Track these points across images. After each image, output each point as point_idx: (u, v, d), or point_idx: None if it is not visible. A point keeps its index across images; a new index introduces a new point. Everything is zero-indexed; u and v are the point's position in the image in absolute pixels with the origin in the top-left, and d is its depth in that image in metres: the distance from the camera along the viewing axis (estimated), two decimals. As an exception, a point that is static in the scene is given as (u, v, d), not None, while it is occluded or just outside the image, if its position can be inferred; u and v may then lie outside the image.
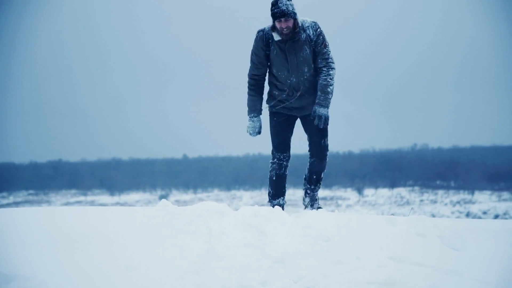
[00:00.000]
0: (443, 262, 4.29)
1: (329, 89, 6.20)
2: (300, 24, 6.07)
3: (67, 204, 69.95)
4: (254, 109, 6.42)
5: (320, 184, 6.57)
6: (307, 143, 6.49)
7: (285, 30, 5.98)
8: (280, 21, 5.93)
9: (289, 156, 6.51)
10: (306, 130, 6.48)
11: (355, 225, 5.16)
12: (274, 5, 5.94)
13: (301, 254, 4.40)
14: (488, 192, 74.96)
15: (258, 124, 6.46)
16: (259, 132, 6.52)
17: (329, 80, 6.19)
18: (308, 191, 6.57)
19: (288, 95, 6.30)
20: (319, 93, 6.20)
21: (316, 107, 6.20)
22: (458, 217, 52.53)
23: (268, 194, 6.61)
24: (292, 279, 4.03)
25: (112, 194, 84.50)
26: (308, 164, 6.54)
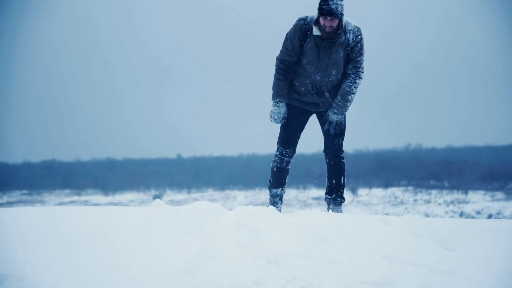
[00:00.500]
0: (436, 262, 4.30)
1: (350, 97, 6.05)
2: (343, 26, 5.86)
3: (60, 204, 69.79)
4: (280, 94, 6.18)
5: (342, 193, 6.35)
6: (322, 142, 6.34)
7: (328, 28, 5.78)
8: (325, 18, 5.72)
9: (293, 152, 6.35)
10: (321, 128, 6.32)
11: (349, 225, 5.16)
12: (325, 0, 5.72)
13: (295, 254, 4.40)
14: (482, 192, 75.08)
15: (283, 110, 6.23)
16: (284, 119, 6.28)
17: (353, 88, 6.04)
18: (330, 205, 6.33)
19: (307, 90, 6.13)
20: (338, 97, 6.06)
21: (330, 113, 6.10)
22: (451, 217, 52.60)
23: (269, 182, 6.50)
24: (286, 279, 4.03)
25: (106, 194, 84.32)
26: (326, 169, 6.38)
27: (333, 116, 6.08)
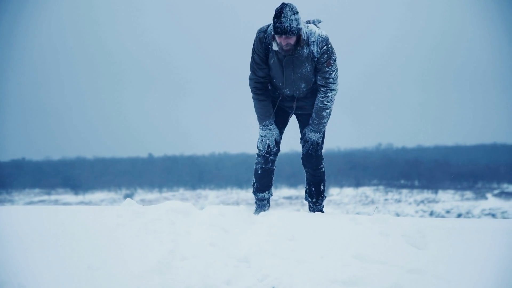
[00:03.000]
0: (406, 261, 4.33)
1: (325, 113, 5.66)
2: (304, 38, 5.38)
3: (30, 203, 69.18)
4: (267, 115, 5.74)
5: (322, 197, 6.13)
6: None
7: (285, 47, 5.32)
8: (281, 36, 5.23)
9: (277, 151, 5.93)
10: (300, 132, 5.99)
11: (319, 224, 5.18)
12: (277, 17, 5.18)
13: (266, 253, 4.40)
14: (451, 192, 75.79)
15: (276, 132, 5.83)
16: (278, 148, 5.89)
17: (326, 103, 5.61)
18: (311, 205, 6.18)
19: (281, 96, 5.78)
20: (313, 115, 5.69)
21: (307, 131, 5.79)
22: (421, 216, 53.05)
23: (252, 186, 6.11)
24: (256, 278, 4.03)
25: (76, 193, 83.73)
26: (305, 176, 6.11)
27: (310, 134, 5.78)
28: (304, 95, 5.75)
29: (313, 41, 5.46)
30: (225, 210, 5.54)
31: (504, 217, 49.69)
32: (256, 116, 5.86)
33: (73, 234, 4.47)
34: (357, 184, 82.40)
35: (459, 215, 56.76)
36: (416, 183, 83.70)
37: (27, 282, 3.49)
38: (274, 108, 5.84)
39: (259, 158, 5.97)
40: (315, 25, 5.69)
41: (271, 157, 5.94)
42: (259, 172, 6.00)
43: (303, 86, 5.66)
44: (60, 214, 5.37)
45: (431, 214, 60.38)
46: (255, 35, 5.61)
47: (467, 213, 59.47)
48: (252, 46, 5.62)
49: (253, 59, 5.64)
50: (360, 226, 5.16)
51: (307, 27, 5.49)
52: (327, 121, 5.75)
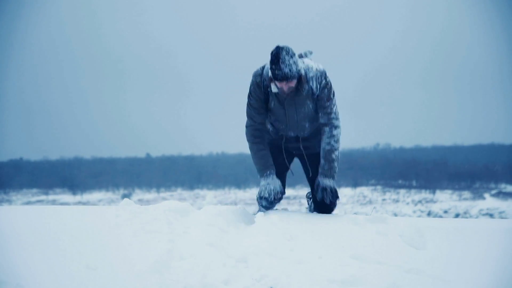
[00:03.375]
0: (404, 261, 4.33)
1: (334, 156, 5.35)
2: (304, 75, 5.17)
3: (28, 203, 69.13)
4: (268, 165, 5.45)
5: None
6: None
7: (287, 90, 5.14)
8: (281, 82, 5.04)
9: (283, 194, 5.56)
10: (305, 172, 5.74)
11: (318, 224, 5.18)
12: (275, 64, 4.94)
13: (264, 253, 4.40)
14: (449, 191, 75.93)
15: (278, 182, 5.46)
16: (283, 192, 5.53)
17: (334, 144, 5.32)
18: (311, 205, 5.93)
19: (285, 139, 5.58)
20: (322, 161, 5.37)
21: (320, 179, 5.42)
22: (419, 216, 53.14)
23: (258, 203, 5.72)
24: (254, 278, 4.03)
25: (74, 193, 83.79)
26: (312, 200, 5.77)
27: (324, 181, 5.40)
28: (308, 134, 5.56)
29: (311, 77, 5.24)
30: (223, 210, 5.53)
31: (502, 217, 49.74)
32: (255, 167, 5.55)
33: (71, 234, 4.47)
34: (355, 184, 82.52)
35: (457, 215, 56.82)
36: (414, 183, 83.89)
37: (25, 282, 3.49)
38: (282, 152, 5.63)
39: (264, 203, 5.55)
40: (308, 58, 5.47)
41: (276, 201, 5.58)
42: (263, 210, 5.62)
43: (307, 126, 5.48)
44: (58, 214, 5.36)
45: (429, 214, 60.46)
46: (251, 79, 5.38)
47: (465, 213, 59.54)
48: (248, 91, 5.40)
49: (249, 104, 5.42)
50: (358, 226, 5.17)
51: (303, 62, 5.28)
52: (337, 164, 5.43)
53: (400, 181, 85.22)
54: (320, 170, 5.41)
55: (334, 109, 5.35)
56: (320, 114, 5.36)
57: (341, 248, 4.59)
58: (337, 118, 5.36)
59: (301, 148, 5.62)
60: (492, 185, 78.66)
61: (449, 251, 4.71)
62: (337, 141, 5.35)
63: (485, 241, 5.04)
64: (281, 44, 5.03)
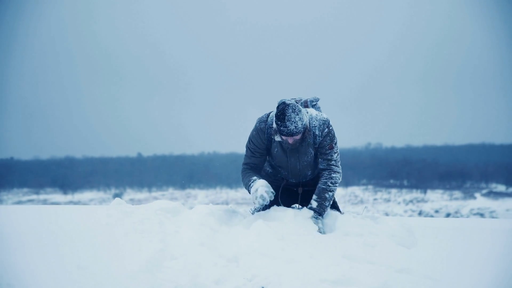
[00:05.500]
0: (395, 260, 4.34)
1: (327, 195, 5.35)
2: (308, 126, 5.26)
3: (19, 203, 68.85)
4: (253, 178, 5.43)
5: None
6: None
7: (291, 143, 5.25)
8: (286, 137, 5.16)
9: (272, 193, 5.40)
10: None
11: (309, 224, 5.19)
12: (281, 121, 5.04)
13: (255, 252, 4.41)
14: (440, 191, 76.01)
15: (264, 182, 5.34)
16: (273, 193, 5.34)
17: (330, 185, 5.37)
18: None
19: (286, 182, 5.65)
20: (314, 196, 5.38)
21: (312, 218, 5.29)
22: (410, 215, 53.20)
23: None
24: (246, 277, 4.03)
25: (65, 192, 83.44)
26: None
27: (315, 221, 5.25)
28: (309, 180, 5.66)
29: (315, 125, 5.34)
30: (214, 210, 5.54)
31: (492, 217, 49.88)
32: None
33: (62, 233, 4.46)
34: (346, 183, 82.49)
35: (448, 215, 56.93)
36: (405, 182, 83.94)
37: (16, 282, 3.48)
38: (278, 191, 5.64)
39: (260, 204, 5.37)
40: (313, 105, 5.63)
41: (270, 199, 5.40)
42: (256, 211, 5.67)
43: (309, 173, 5.59)
44: (49, 214, 5.36)
45: (420, 213, 60.51)
46: (254, 125, 5.48)
47: (456, 212, 59.61)
48: (250, 134, 5.50)
49: (248, 148, 5.53)
50: (349, 226, 5.17)
51: (307, 112, 5.36)
52: (329, 204, 5.40)
53: (391, 181, 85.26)
54: (309, 205, 5.39)
55: (335, 156, 5.43)
56: (320, 160, 5.44)
57: (333, 247, 4.59)
58: (337, 165, 5.44)
59: (300, 192, 5.71)
60: (483, 185, 78.79)
61: (440, 251, 4.73)
62: (334, 183, 5.39)
63: (476, 241, 5.07)
64: (287, 101, 5.09)
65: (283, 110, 5.05)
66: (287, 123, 5.03)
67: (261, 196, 5.26)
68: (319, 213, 5.32)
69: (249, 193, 5.43)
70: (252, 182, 5.40)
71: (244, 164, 5.55)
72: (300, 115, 5.07)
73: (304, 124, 5.14)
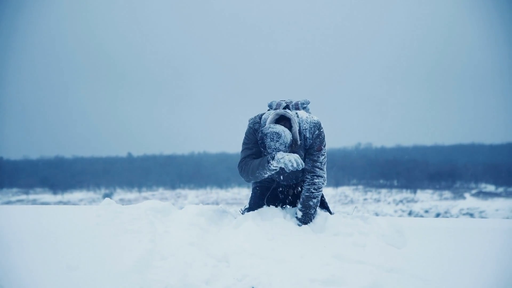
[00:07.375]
0: (385, 260, 4.35)
1: (311, 203, 5.33)
2: (297, 132, 5.21)
3: (8, 203, 68.63)
4: (263, 155, 5.26)
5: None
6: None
7: None
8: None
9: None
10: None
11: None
12: (263, 148, 5.06)
13: (245, 252, 4.41)
14: (430, 191, 76.24)
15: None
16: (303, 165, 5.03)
17: (313, 191, 5.33)
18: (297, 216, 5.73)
19: (276, 184, 5.68)
20: (299, 205, 5.36)
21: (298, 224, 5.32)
22: (400, 215, 53.35)
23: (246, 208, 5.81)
24: (236, 277, 4.03)
25: (54, 192, 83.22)
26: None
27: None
28: (299, 183, 5.67)
29: (305, 128, 5.31)
30: (204, 210, 5.53)
31: (482, 217, 50.07)
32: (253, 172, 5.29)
33: (51, 233, 4.45)
34: (337, 183, 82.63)
35: (438, 215, 57.11)
36: (395, 182, 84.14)
37: (5, 282, 3.47)
38: (267, 193, 5.71)
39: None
40: (304, 107, 5.59)
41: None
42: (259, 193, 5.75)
43: (300, 175, 5.59)
44: (39, 214, 5.34)
45: (410, 213, 60.68)
46: (247, 125, 5.46)
47: (446, 212, 59.80)
48: (245, 135, 5.47)
49: (247, 144, 5.42)
50: (339, 226, 5.17)
51: (297, 115, 5.36)
52: (314, 212, 5.37)
53: (381, 181, 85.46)
54: (295, 214, 5.40)
55: (321, 159, 5.39)
56: (306, 160, 5.39)
57: (323, 247, 4.60)
58: (321, 168, 5.40)
59: (290, 194, 5.75)
60: (473, 185, 79.06)
61: (429, 251, 4.74)
62: (317, 189, 5.36)
63: (466, 241, 5.08)
64: (276, 129, 4.99)
65: (262, 138, 5.04)
66: (268, 150, 5.02)
67: (296, 160, 4.99)
68: (304, 222, 5.31)
69: (263, 168, 5.16)
70: (269, 155, 5.10)
71: (245, 157, 5.39)
72: (280, 140, 4.99)
73: (288, 143, 5.05)
